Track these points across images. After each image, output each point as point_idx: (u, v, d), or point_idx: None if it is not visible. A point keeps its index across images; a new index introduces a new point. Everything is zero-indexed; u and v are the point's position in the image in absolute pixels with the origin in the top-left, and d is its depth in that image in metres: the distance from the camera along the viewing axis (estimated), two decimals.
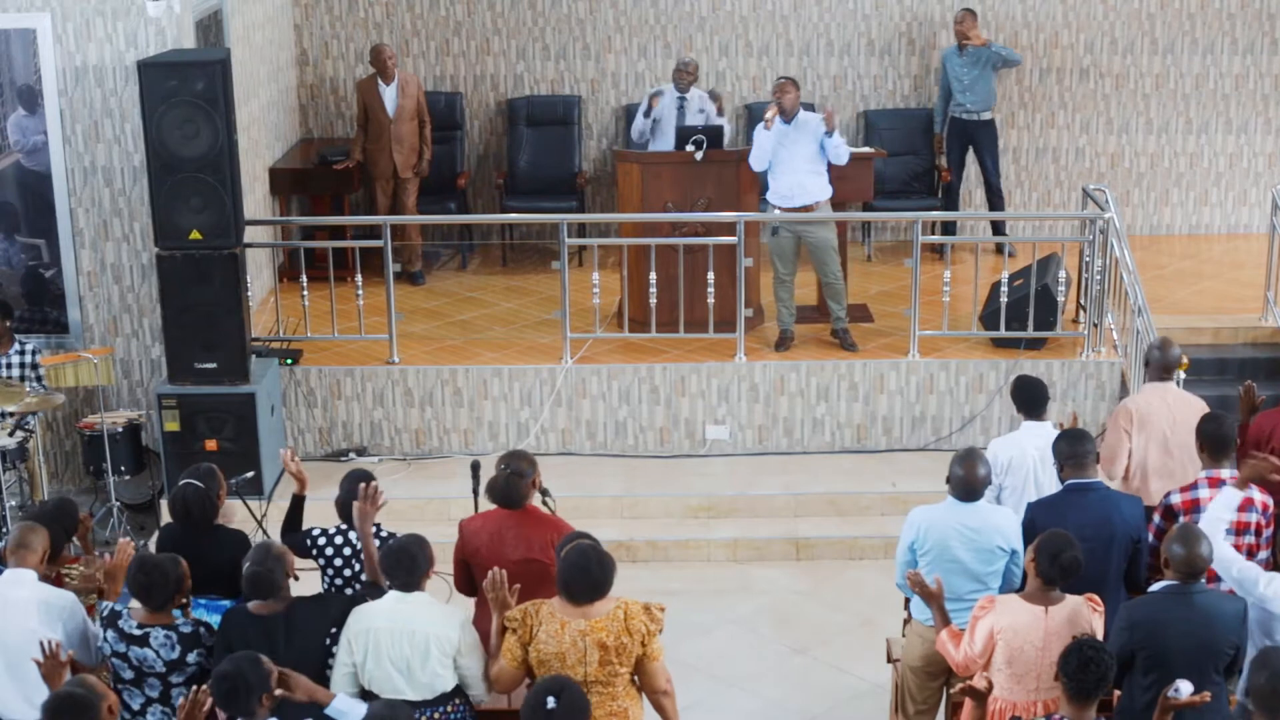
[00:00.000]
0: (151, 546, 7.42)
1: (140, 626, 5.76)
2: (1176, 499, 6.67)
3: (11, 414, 9.04)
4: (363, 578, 6.45)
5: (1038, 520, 6.38)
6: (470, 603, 6.58)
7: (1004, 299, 9.96)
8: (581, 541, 5.77)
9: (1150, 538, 6.60)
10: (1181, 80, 12.47)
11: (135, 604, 5.90)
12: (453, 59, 12.56)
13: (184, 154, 8.93)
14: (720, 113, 10.93)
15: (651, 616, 5.65)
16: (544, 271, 12.02)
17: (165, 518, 7.97)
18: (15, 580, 6.01)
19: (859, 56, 12.48)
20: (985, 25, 12.12)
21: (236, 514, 7.97)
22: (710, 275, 9.93)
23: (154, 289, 9.60)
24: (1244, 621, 5.82)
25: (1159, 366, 7.69)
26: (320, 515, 7.03)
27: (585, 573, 5.60)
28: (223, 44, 10.39)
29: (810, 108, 11.88)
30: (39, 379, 9.25)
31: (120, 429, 9.38)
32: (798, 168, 9.91)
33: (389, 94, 11.39)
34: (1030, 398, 7.41)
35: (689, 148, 10.17)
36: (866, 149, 11.25)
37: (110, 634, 5.79)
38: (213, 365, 9.28)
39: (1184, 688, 5.36)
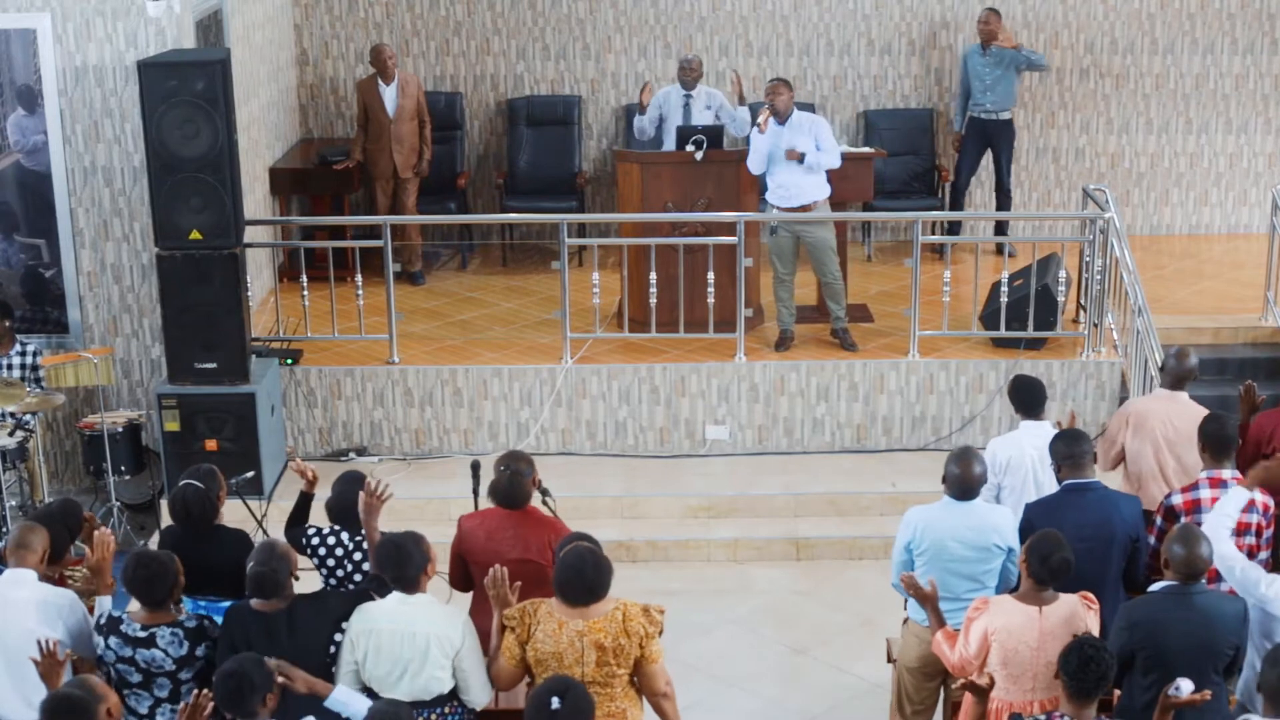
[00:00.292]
0: (153, 547, 7.41)
1: (144, 628, 5.75)
2: (1178, 499, 6.67)
3: (11, 414, 9.04)
4: (355, 578, 6.46)
5: (1036, 520, 6.37)
6: (469, 601, 6.58)
7: (1004, 299, 9.96)
8: (580, 544, 5.76)
9: (1151, 539, 6.60)
10: (1181, 80, 12.48)
11: (134, 606, 5.89)
12: (453, 59, 12.56)
13: (184, 154, 8.93)
14: (742, 101, 10.76)
15: (650, 619, 5.64)
16: (544, 271, 12.02)
17: (165, 518, 7.97)
18: (15, 580, 6.00)
19: (859, 56, 12.48)
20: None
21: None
22: (710, 275, 9.93)
23: (154, 289, 9.61)
24: (1244, 622, 5.82)
25: (1172, 375, 7.66)
26: (321, 515, 7.02)
27: (580, 575, 5.59)
28: (223, 44, 10.39)
29: (810, 108, 11.90)
30: (38, 379, 9.25)
31: (120, 429, 9.38)
32: (793, 168, 9.91)
33: (389, 94, 11.39)
34: (1028, 397, 7.40)
35: (689, 148, 10.17)
36: (866, 149, 11.25)
37: (113, 640, 5.76)
38: (213, 365, 9.28)
39: (1185, 686, 5.36)
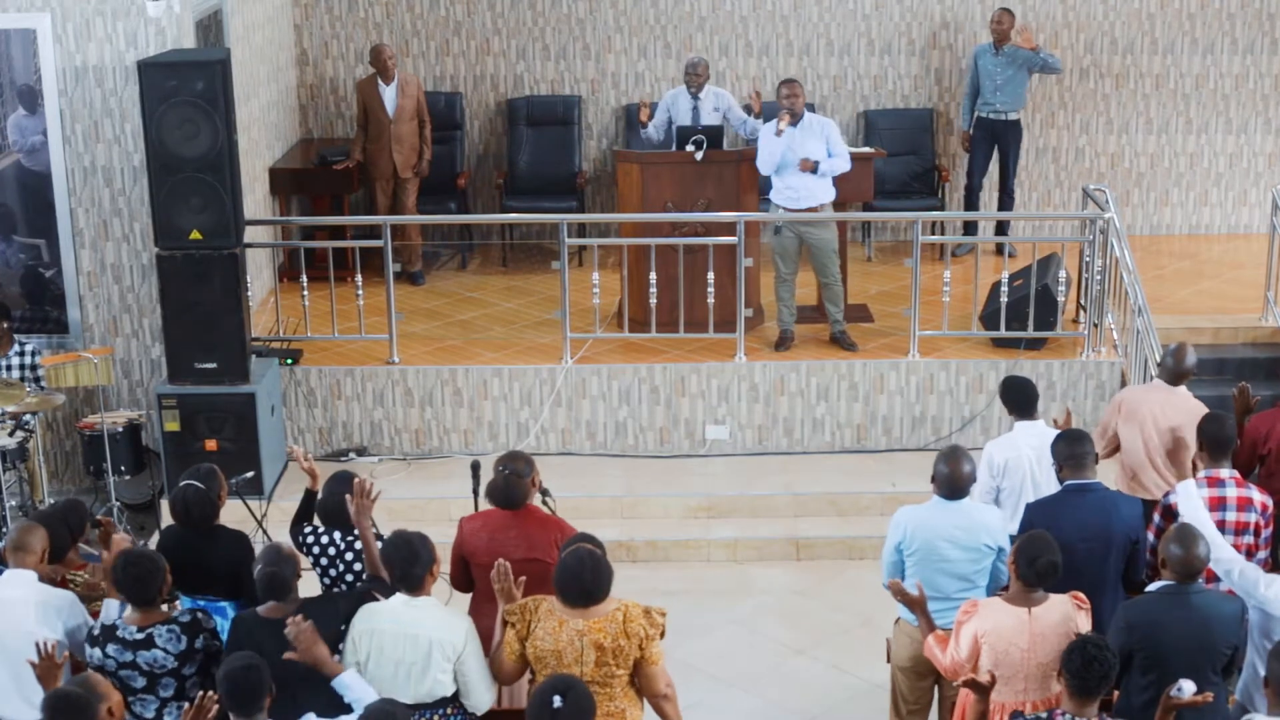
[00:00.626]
0: (152, 547, 7.40)
1: (140, 629, 5.74)
2: (1175, 499, 6.68)
3: (11, 414, 9.04)
4: (347, 578, 6.46)
5: (1036, 520, 6.37)
6: (468, 602, 6.58)
7: (1004, 299, 9.96)
8: (581, 546, 5.75)
9: (1151, 537, 6.60)
10: (1181, 80, 12.48)
11: (127, 611, 5.87)
12: (453, 59, 12.56)
13: (184, 154, 8.93)
14: (758, 116, 10.73)
15: (651, 620, 5.64)
16: (544, 271, 12.02)
17: (165, 518, 7.97)
18: (13, 581, 6.00)
19: (859, 56, 12.48)
20: (986, 25, 12.12)
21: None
22: (710, 275, 9.94)
23: (154, 289, 9.61)
24: (1242, 622, 5.83)
25: (1169, 372, 7.68)
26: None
27: (577, 579, 5.59)
28: (223, 44, 10.39)
29: (810, 108, 11.89)
30: (38, 380, 9.25)
31: (120, 429, 9.38)
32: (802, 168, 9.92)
33: (389, 94, 11.39)
34: (1020, 398, 7.41)
35: (689, 148, 10.17)
36: (866, 149, 11.24)
37: (111, 648, 5.74)
38: (213, 365, 9.28)
39: (1187, 687, 5.36)
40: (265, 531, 8.38)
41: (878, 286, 11.47)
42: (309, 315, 10.28)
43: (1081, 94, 12.53)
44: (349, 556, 6.48)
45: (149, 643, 5.73)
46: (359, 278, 10.11)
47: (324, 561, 6.52)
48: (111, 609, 5.92)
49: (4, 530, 8.52)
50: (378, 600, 5.86)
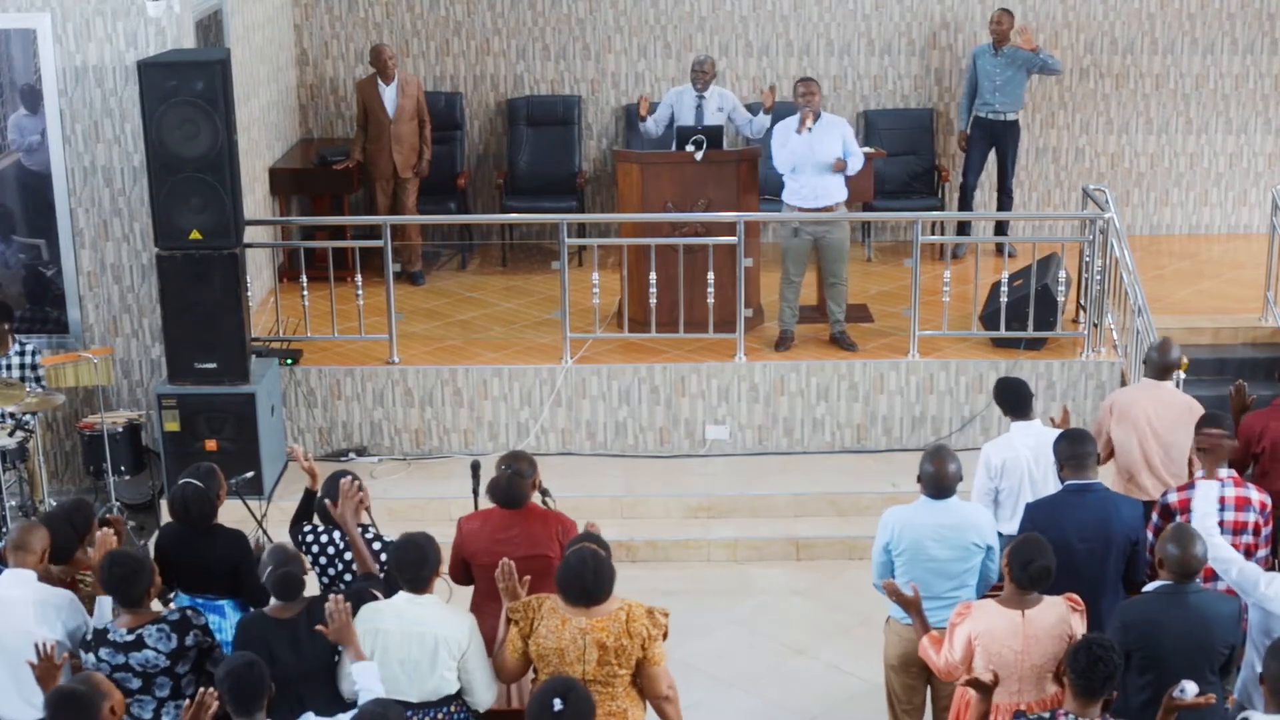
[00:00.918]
0: (151, 546, 7.41)
1: (130, 631, 5.73)
2: (1173, 498, 6.70)
3: (11, 414, 9.04)
4: (346, 578, 6.47)
5: (1036, 521, 6.37)
6: (468, 598, 6.58)
7: (1004, 299, 9.96)
8: (584, 547, 5.75)
9: (1150, 536, 6.60)
10: (1181, 80, 12.48)
11: (119, 614, 5.87)
12: (453, 59, 12.56)
13: (184, 154, 8.93)
14: (768, 111, 10.67)
15: (654, 621, 5.65)
16: (544, 271, 12.02)
17: (165, 518, 7.97)
18: (13, 580, 6.00)
19: (859, 56, 12.48)
20: (985, 25, 12.11)
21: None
22: (710, 275, 9.94)
23: (154, 289, 9.61)
24: (1239, 621, 5.84)
25: (1156, 367, 7.73)
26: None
27: (579, 580, 5.60)
28: (223, 44, 10.39)
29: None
30: (38, 379, 9.25)
31: (120, 429, 9.38)
32: (820, 169, 9.92)
33: (389, 94, 11.39)
34: (1014, 399, 7.42)
35: (689, 148, 10.17)
36: (866, 149, 11.23)
37: (104, 651, 5.73)
38: (213, 365, 9.28)
39: (1189, 688, 5.35)
40: (265, 531, 8.38)
41: (878, 286, 11.47)
42: (309, 315, 10.28)
43: (1081, 94, 12.53)
44: (348, 556, 6.48)
45: (139, 644, 5.72)
46: (359, 278, 10.11)
47: (323, 560, 6.53)
48: (105, 607, 5.92)
49: (4, 530, 8.52)
50: (377, 598, 5.87)
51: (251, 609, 6.30)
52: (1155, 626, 5.70)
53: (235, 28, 10.79)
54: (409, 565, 5.76)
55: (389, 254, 10.02)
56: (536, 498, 6.68)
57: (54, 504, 9.33)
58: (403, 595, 5.80)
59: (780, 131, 10.04)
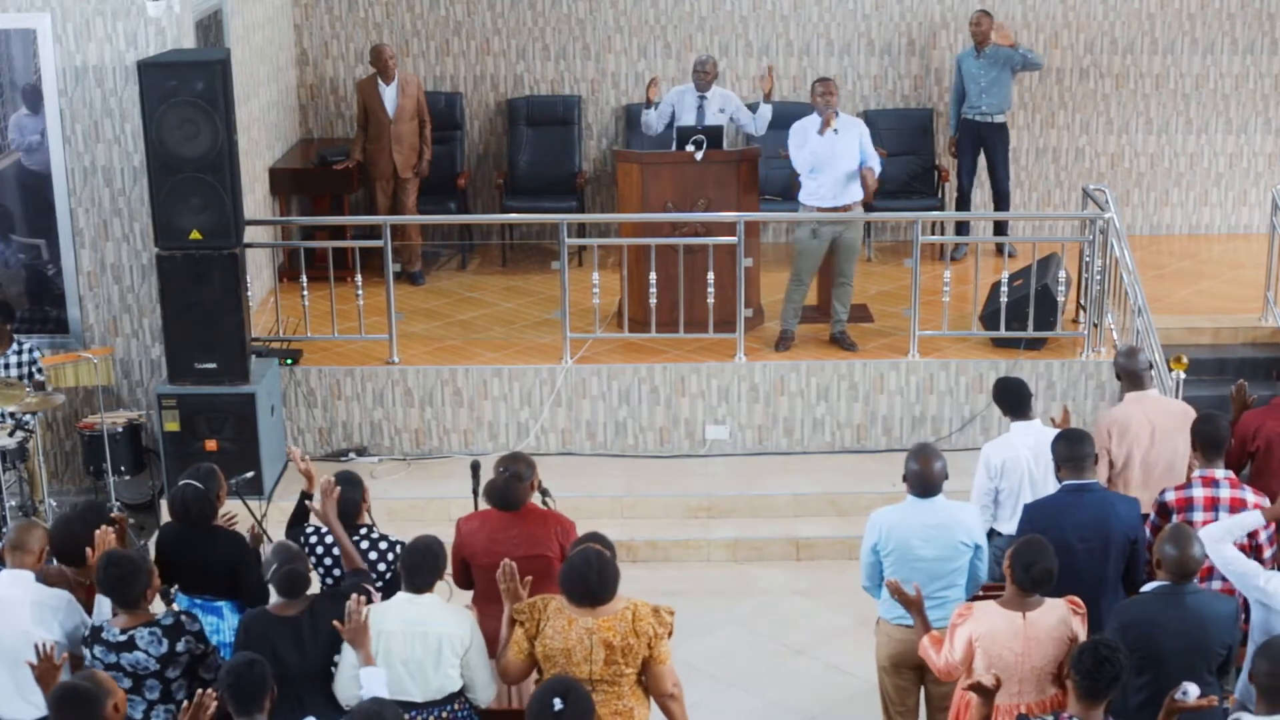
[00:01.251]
0: (151, 546, 7.41)
1: (123, 631, 5.74)
2: (1170, 496, 6.70)
3: (12, 414, 9.04)
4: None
5: (1035, 521, 6.37)
6: (468, 598, 6.59)
7: (1004, 299, 9.96)
8: (589, 546, 5.77)
9: (1148, 534, 6.60)
10: (1181, 80, 12.48)
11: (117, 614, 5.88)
12: (453, 59, 12.56)
13: (184, 154, 8.93)
14: (768, 99, 10.63)
15: (660, 619, 5.67)
16: (544, 271, 12.02)
17: (165, 518, 7.97)
18: (11, 580, 6.00)
19: (859, 56, 12.48)
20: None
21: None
22: (710, 275, 9.94)
23: (154, 289, 9.61)
24: (1236, 621, 5.84)
25: (1130, 376, 7.61)
26: None
27: (583, 580, 5.61)
28: (223, 44, 10.39)
29: (809, 108, 11.88)
30: (35, 378, 9.24)
31: (120, 429, 9.39)
32: (839, 168, 9.92)
33: (389, 94, 11.39)
34: (1014, 399, 7.41)
35: (689, 148, 10.17)
36: None
37: (97, 649, 5.74)
38: (213, 365, 9.28)
39: (1191, 690, 5.35)
40: (265, 531, 8.37)
41: (878, 286, 11.47)
42: (309, 315, 10.28)
43: (1081, 94, 12.52)
44: None
45: (130, 645, 5.72)
46: (359, 278, 10.11)
47: (328, 561, 6.53)
48: (104, 604, 5.93)
49: (3, 530, 8.52)
50: (369, 592, 5.87)
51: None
52: (1153, 627, 5.70)
53: (235, 28, 10.79)
54: (420, 569, 5.78)
55: (389, 254, 10.02)
56: (536, 498, 6.69)
57: (54, 504, 9.36)
58: (402, 596, 5.80)
59: (798, 132, 10.03)
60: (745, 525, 9.45)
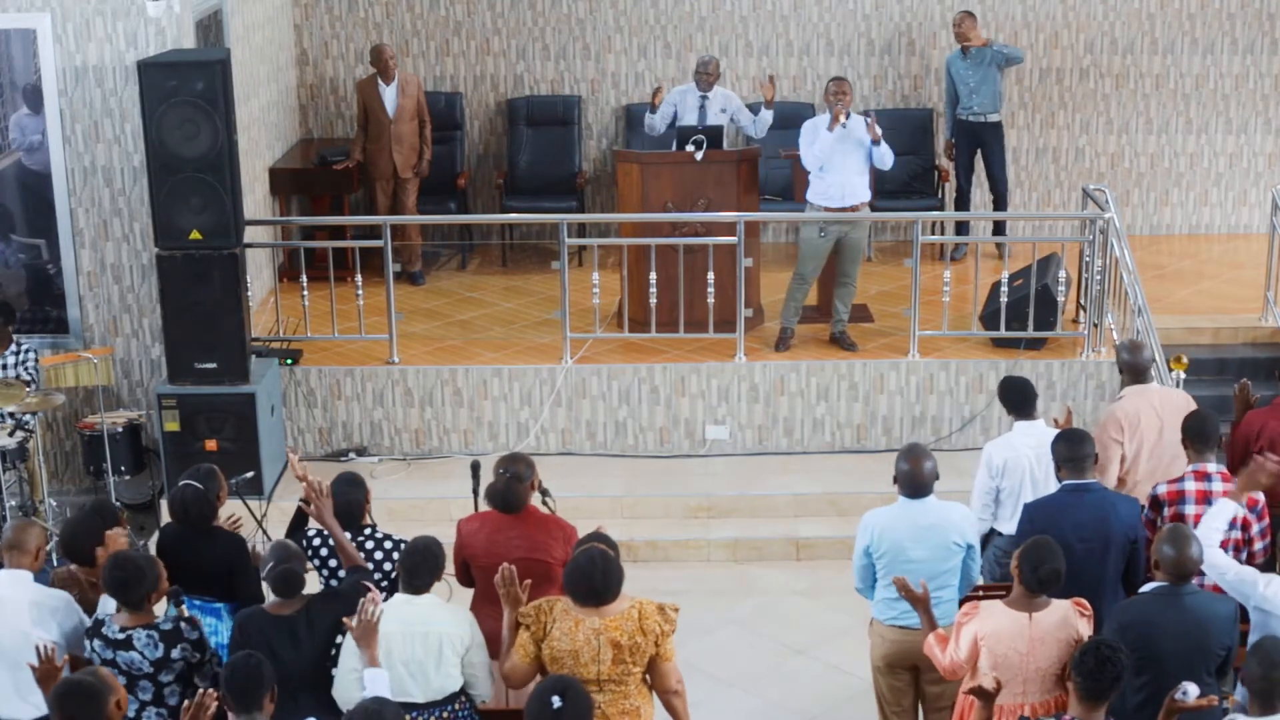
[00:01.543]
0: (151, 546, 7.42)
1: (123, 630, 5.75)
2: (1162, 489, 6.73)
3: (12, 414, 9.04)
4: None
5: (1035, 521, 6.37)
6: (468, 598, 6.59)
7: (1004, 299, 9.96)
8: (593, 546, 5.78)
9: (1145, 532, 6.60)
10: (1181, 80, 12.48)
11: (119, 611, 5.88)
12: (453, 59, 12.56)
13: (184, 154, 8.93)
14: (769, 106, 10.66)
15: (665, 617, 5.68)
16: (544, 271, 12.02)
17: (165, 518, 7.97)
18: (9, 581, 6.00)
19: (859, 56, 12.47)
20: (985, 26, 12.10)
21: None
22: (710, 275, 9.94)
23: (154, 289, 9.61)
24: (1235, 622, 5.83)
25: (1132, 370, 7.64)
26: None
27: (588, 580, 5.62)
28: (223, 44, 10.39)
29: (810, 108, 11.89)
30: (34, 377, 9.23)
31: (120, 429, 9.39)
32: (849, 167, 9.92)
33: (389, 94, 11.39)
34: (1018, 398, 7.41)
35: (689, 148, 10.17)
36: None
37: (96, 643, 5.76)
38: (213, 365, 9.28)
39: (1191, 691, 5.35)
40: (265, 532, 8.38)
41: (878, 286, 11.47)
42: (309, 315, 10.28)
43: (1081, 94, 12.52)
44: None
45: (128, 644, 5.74)
46: (359, 278, 10.11)
47: (333, 563, 6.51)
48: (107, 605, 5.94)
49: (2, 530, 8.51)
50: (369, 589, 5.87)
51: None
52: (1152, 627, 5.70)
53: (235, 28, 10.79)
54: (419, 569, 5.78)
55: (389, 254, 10.02)
56: (536, 498, 6.68)
57: (54, 504, 9.37)
58: (400, 596, 5.80)
59: (809, 130, 10.02)
60: (745, 525, 9.45)
